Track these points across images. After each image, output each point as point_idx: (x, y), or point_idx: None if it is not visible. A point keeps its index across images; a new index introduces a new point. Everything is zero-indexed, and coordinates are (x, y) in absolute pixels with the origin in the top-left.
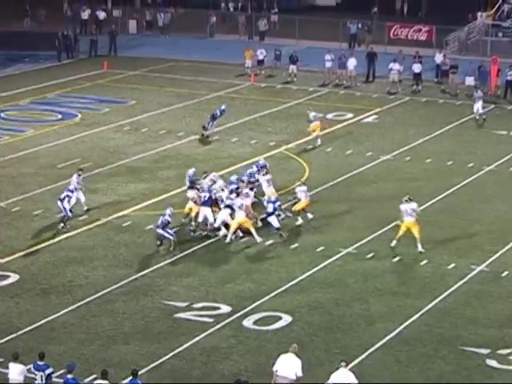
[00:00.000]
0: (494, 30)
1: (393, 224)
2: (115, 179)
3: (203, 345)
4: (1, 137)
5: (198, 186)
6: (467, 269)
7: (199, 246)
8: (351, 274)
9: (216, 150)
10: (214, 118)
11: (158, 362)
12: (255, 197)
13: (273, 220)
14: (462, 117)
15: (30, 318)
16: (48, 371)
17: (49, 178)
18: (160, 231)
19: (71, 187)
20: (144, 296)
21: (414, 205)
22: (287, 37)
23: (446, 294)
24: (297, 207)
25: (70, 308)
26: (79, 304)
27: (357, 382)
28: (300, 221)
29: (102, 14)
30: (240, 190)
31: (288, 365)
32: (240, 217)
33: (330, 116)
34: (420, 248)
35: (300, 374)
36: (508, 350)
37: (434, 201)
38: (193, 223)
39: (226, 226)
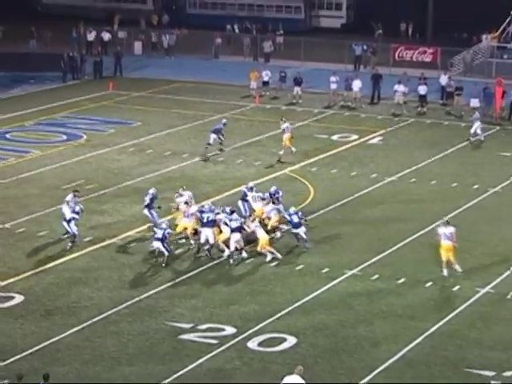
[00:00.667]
0: (499, 52)
1: (397, 246)
2: (120, 200)
3: (208, 366)
4: (6, 158)
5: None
6: (472, 291)
7: (203, 267)
8: (356, 295)
9: (220, 171)
10: (219, 131)
11: None
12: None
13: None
14: (466, 139)
15: (35, 339)
16: None
17: (54, 199)
18: (158, 244)
19: (77, 209)
20: (148, 317)
21: (451, 229)
22: (292, 58)
23: (450, 316)
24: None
25: (74, 329)
26: (84, 325)
27: None
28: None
29: (106, 36)
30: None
31: None
32: (263, 236)
33: (334, 138)
34: (458, 268)
35: None
36: None
37: (438, 223)
38: (192, 242)
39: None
